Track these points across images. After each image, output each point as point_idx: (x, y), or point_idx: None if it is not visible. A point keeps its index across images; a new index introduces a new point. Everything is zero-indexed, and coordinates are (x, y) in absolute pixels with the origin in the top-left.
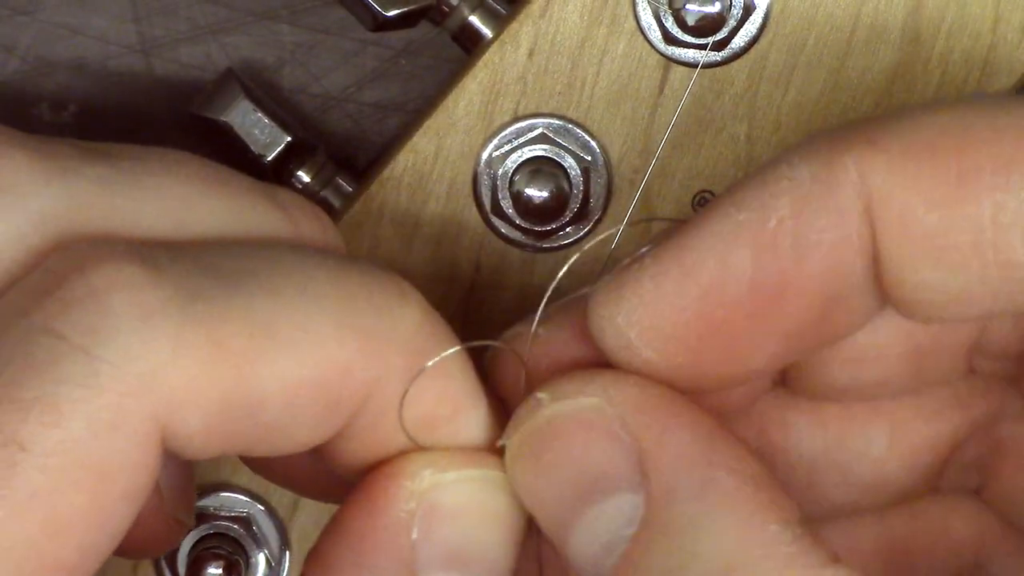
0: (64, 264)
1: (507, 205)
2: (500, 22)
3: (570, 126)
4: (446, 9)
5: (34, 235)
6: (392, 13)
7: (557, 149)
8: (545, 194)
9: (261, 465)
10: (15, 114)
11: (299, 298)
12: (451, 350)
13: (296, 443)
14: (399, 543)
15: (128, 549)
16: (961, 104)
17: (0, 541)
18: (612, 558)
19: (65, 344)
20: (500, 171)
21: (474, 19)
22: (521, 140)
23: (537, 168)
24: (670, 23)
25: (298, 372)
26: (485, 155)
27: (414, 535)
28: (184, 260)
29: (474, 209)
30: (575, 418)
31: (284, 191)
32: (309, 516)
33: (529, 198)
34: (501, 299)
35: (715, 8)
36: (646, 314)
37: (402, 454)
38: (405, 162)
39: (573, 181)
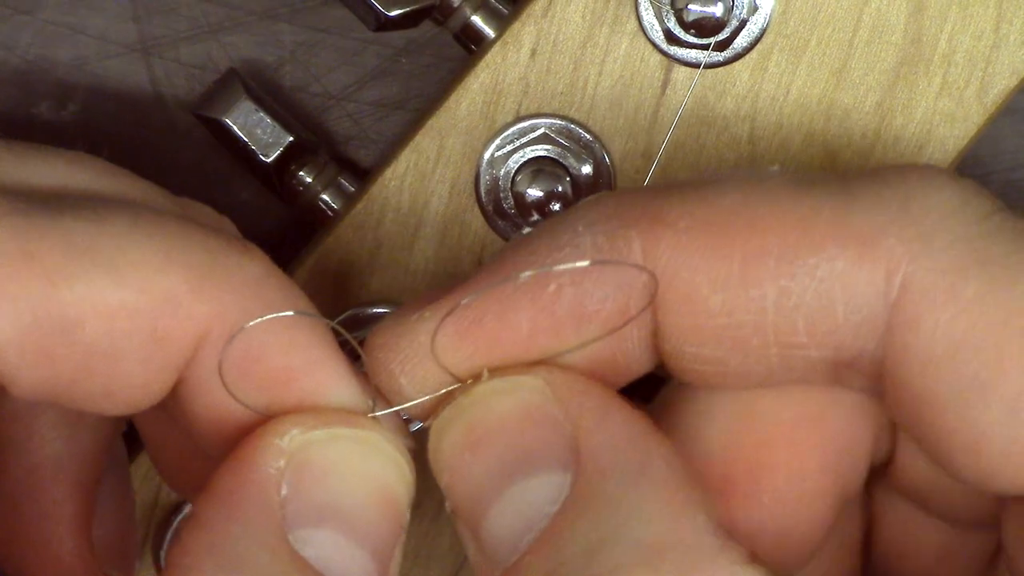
0: None
1: (509, 205)
2: (502, 22)
3: (572, 126)
4: (448, 9)
5: None
6: (394, 13)
7: (559, 149)
8: (547, 194)
9: (168, 472)
10: (15, 113)
11: (128, 229)
12: (283, 313)
13: (130, 385)
14: (268, 499)
15: None
16: (750, 184)
17: None
18: (529, 535)
19: None
20: (502, 171)
21: (476, 19)
22: (523, 140)
23: (539, 168)
24: (672, 23)
25: (115, 294)
26: (487, 155)
27: (284, 491)
28: (19, 192)
29: (476, 209)
30: (513, 395)
31: (186, 199)
32: None
33: (531, 198)
34: None
35: (717, 8)
36: (419, 367)
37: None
38: (407, 162)
39: (575, 181)
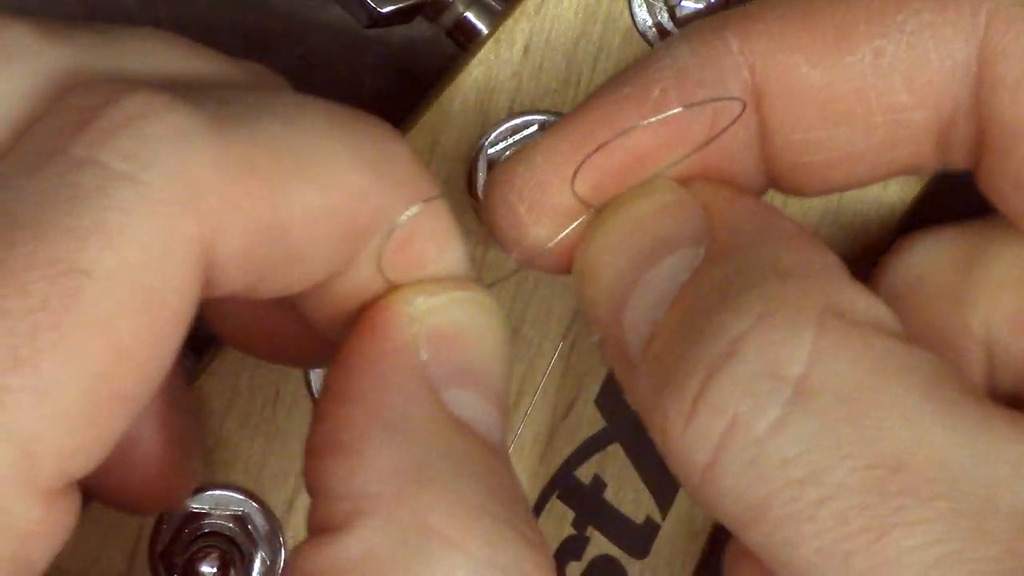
0: (92, 98)
1: None
2: (495, 19)
3: None
4: (441, 5)
5: (44, 88)
6: (387, 9)
7: None
8: None
9: (237, 334)
10: None
11: (314, 129)
12: (411, 213)
13: (311, 275)
14: (413, 365)
15: (137, 499)
16: None
17: (70, 367)
18: (664, 305)
19: (109, 171)
20: (496, 167)
21: (469, 15)
22: (516, 136)
23: None
24: (665, 19)
25: (322, 197)
26: (480, 151)
27: (423, 356)
28: (205, 94)
29: (470, 205)
30: (647, 198)
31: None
32: (304, 514)
33: None
34: (498, 295)
35: (709, 4)
36: (537, 189)
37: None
38: None
39: None
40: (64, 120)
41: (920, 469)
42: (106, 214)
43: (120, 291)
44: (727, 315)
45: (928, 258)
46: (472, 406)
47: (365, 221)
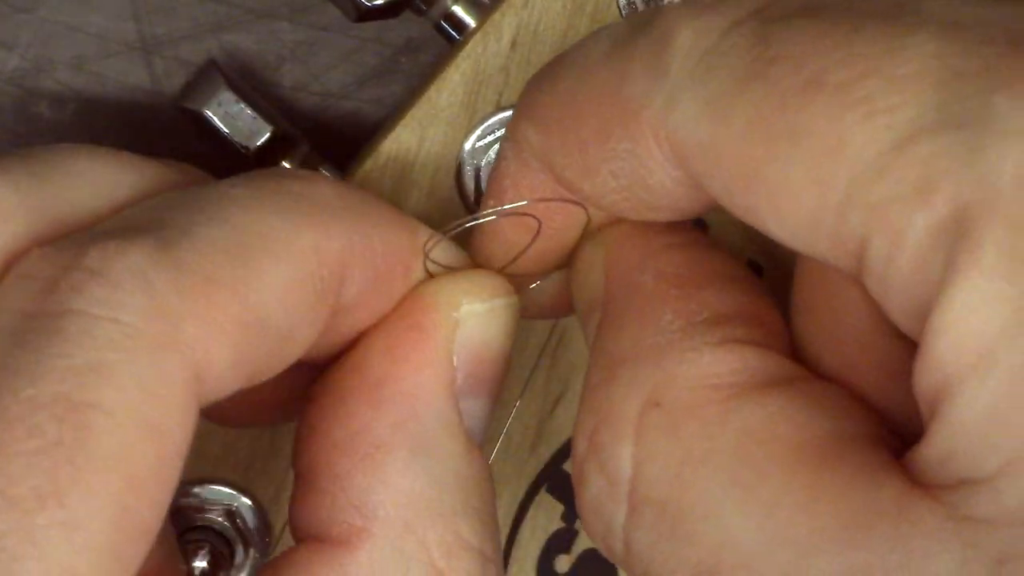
0: (50, 267)
1: None
2: (483, 12)
3: None
4: None
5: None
6: (375, 3)
7: None
8: None
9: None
10: (15, 112)
11: (244, 209)
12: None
13: (304, 341)
14: (448, 379)
15: None
16: (583, 56)
17: (93, 501)
18: None
19: (89, 316)
20: (483, 161)
21: (457, 9)
22: (504, 130)
23: None
24: None
25: (281, 272)
26: (468, 145)
27: (455, 362)
28: (144, 214)
29: (457, 199)
30: (574, 262)
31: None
32: None
33: None
34: None
35: None
36: None
37: (430, 282)
38: (388, 153)
39: None
40: (30, 288)
41: (728, 567)
42: (98, 353)
43: (126, 423)
44: (576, 430)
45: None
46: (476, 415)
47: (328, 271)
